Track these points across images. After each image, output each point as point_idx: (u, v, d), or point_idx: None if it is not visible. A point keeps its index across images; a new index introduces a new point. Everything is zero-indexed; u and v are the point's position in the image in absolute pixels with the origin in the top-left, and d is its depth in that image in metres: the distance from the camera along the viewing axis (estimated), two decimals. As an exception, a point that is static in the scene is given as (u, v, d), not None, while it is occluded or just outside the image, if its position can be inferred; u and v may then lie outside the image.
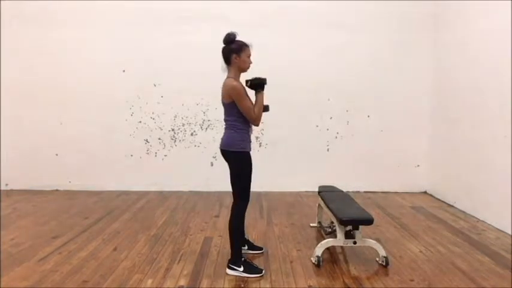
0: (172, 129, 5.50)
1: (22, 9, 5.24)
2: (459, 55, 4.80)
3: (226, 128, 2.94)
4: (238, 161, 2.87)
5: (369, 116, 5.54)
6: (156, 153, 5.52)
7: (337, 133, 5.56)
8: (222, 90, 2.86)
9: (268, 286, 2.70)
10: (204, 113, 5.48)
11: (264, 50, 5.41)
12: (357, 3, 5.36)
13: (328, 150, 5.57)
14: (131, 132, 5.47)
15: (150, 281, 2.75)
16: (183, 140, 5.52)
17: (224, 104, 2.89)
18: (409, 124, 5.55)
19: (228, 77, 2.88)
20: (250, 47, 2.89)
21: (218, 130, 5.43)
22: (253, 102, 2.86)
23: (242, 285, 2.71)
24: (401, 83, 5.49)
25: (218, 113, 5.45)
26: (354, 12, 5.37)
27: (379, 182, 5.60)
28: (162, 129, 5.49)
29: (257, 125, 2.89)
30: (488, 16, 4.22)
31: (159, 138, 5.50)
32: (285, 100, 5.19)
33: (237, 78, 2.87)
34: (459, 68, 4.79)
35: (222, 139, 2.94)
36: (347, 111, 5.53)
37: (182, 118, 5.49)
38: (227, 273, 2.87)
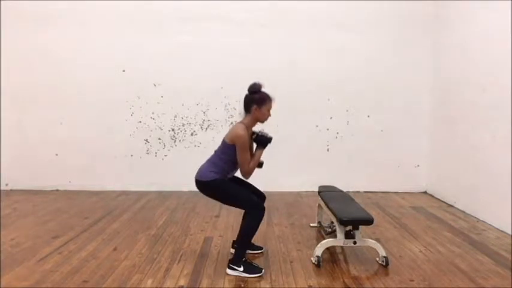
0: (172, 129, 5.50)
1: (22, 9, 5.24)
2: (459, 55, 4.80)
3: (209, 159, 2.98)
4: (215, 190, 2.90)
5: (369, 116, 5.54)
6: (156, 153, 5.52)
7: (337, 133, 5.56)
8: (229, 131, 2.88)
9: (268, 286, 2.70)
10: (204, 113, 5.48)
11: (264, 50, 5.45)
12: (356, 3, 5.35)
13: (328, 150, 5.58)
14: (131, 132, 5.47)
15: (150, 281, 2.75)
16: (183, 140, 5.52)
17: (224, 141, 2.90)
18: (409, 124, 5.55)
19: (241, 122, 2.89)
20: (272, 101, 2.88)
21: (218, 130, 5.43)
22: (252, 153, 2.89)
23: (242, 285, 2.71)
24: (401, 83, 5.49)
25: (218, 113, 5.47)
26: (354, 12, 5.36)
27: (379, 182, 5.60)
28: (162, 129, 5.49)
29: (246, 178, 2.90)
30: (488, 16, 4.22)
31: (159, 138, 5.50)
32: (285, 100, 5.17)
33: (249, 127, 2.89)
34: (459, 68, 4.79)
35: (199, 168, 2.95)
36: (347, 111, 5.53)
37: (182, 118, 5.49)
38: (227, 273, 2.87)
